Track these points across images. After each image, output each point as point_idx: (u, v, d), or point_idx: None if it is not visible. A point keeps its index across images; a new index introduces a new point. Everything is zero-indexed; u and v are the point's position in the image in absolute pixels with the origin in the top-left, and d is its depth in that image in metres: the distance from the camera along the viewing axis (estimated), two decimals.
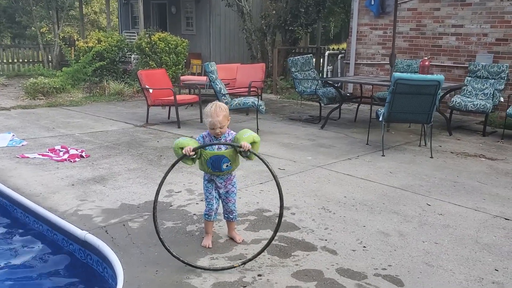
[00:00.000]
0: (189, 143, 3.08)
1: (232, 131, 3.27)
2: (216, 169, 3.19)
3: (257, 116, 7.19)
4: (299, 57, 8.61)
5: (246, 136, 3.10)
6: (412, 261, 3.22)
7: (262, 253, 3.26)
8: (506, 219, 4.01)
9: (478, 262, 3.23)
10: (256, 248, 3.35)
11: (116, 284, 2.85)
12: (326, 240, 3.51)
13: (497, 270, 3.12)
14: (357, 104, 8.96)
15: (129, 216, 3.83)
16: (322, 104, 8.49)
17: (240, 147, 3.00)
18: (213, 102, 3.14)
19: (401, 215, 4.04)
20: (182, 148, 3.03)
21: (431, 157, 5.96)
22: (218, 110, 3.08)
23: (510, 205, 4.36)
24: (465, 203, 4.35)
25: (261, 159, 2.97)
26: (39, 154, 5.59)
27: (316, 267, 3.09)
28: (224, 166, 3.18)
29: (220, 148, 3.17)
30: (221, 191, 3.36)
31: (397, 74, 5.76)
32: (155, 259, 3.13)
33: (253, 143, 3.07)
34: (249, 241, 3.46)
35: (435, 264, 3.18)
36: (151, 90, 7.66)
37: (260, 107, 6.93)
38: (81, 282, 3.21)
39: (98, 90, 11.15)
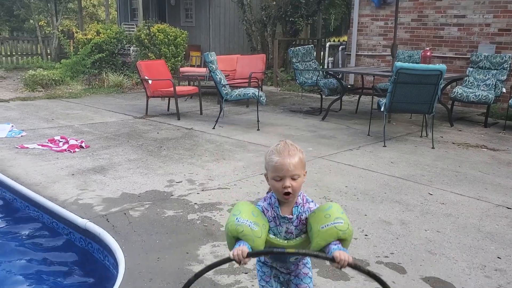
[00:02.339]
0: (249, 234, 1.77)
1: (309, 199, 1.94)
2: (280, 261, 2.03)
3: (257, 108, 7.14)
4: (300, 47, 8.56)
5: (327, 228, 1.79)
6: (414, 249, 3.20)
7: None
8: (508, 208, 3.99)
9: (481, 250, 3.21)
10: None
11: (117, 271, 2.83)
12: None
13: (500, 258, 3.11)
14: (358, 96, 8.92)
15: (130, 205, 3.81)
16: (323, 96, 8.45)
17: (333, 260, 1.71)
18: (286, 140, 1.90)
19: (403, 204, 4.02)
20: (236, 238, 1.79)
21: (433, 148, 5.93)
22: (291, 148, 1.86)
23: None
24: (467, 193, 4.33)
25: (370, 274, 1.70)
26: (38, 145, 5.56)
27: None
28: (292, 259, 2.01)
29: (291, 233, 1.90)
30: (286, 277, 2.08)
31: (399, 64, 5.72)
32: (156, 246, 3.11)
33: (343, 241, 1.81)
34: None
35: (438, 252, 3.17)
36: (150, 81, 7.61)
37: (261, 98, 6.89)
38: (82, 271, 3.18)
39: (97, 82, 11.10)
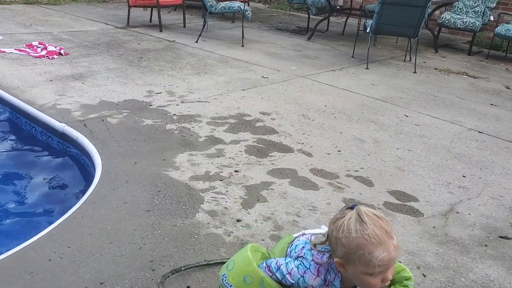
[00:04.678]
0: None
1: None
2: None
3: (242, 24, 6.97)
4: None
5: None
6: (384, 165, 3.32)
7: (240, 152, 3.34)
8: (480, 132, 4.12)
9: (448, 169, 3.35)
10: (235, 148, 3.40)
11: (94, 173, 2.90)
12: (302, 143, 3.57)
13: (465, 177, 3.26)
14: (345, 17, 8.75)
15: (108, 112, 3.81)
16: (310, 15, 8.26)
17: None
18: (364, 210, 1.34)
19: (378, 124, 4.11)
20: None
21: (415, 72, 5.96)
22: (384, 224, 1.33)
23: (485, 119, 4.45)
24: (442, 116, 4.43)
25: None
26: (16, 49, 5.41)
27: (291, 167, 3.17)
28: None
29: None
30: None
31: None
32: (133, 152, 3.17)
33: None
34: (228, 141, 3.50)
35: (406, 169, 3.29)
36: None
37: (247, 13, 6.71)
38: (59, 173, 3.24)
39: None
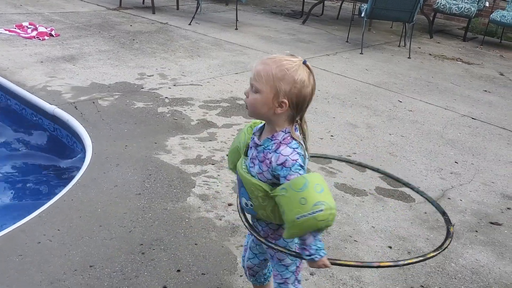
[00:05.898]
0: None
1: (291, 144, 1.38)
2: (238, 193, 1.57)
3: (236, 7, 6.90)
4: None
5: (304, 220, 1.32)
6: (376, 150, 3.31)
7: (232, 136, 3.31)
8: (473, 118, 4.12)
9: (440, 155, 3.35)
10: (227, 131, 3.37)
11: (84, 156, 2.87)
12: None
13: (457, 163, 3.26)
14: (340, 1, 8.68)
15: (99, 95, 3.76)
16: None
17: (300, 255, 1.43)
18: (298, 58, 1.42)
19: (372, 109, 4.09)
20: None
21: (409, 58, 5.93)
22: (276, 60, 1.38)
23: (479, 106, 4.45)
24: (436, 102, 4.42)
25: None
26: (5, 30, 5.31)
27: None
28: (243, 201, 1.53)
29: (253, 163, 1.45)
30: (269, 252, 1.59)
31: None
32: (124, 135, 3.13)
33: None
34: (220, 125, 3.48)
35: (399, 154, 3.29)
36: None
37: None
38: (50, 155, 3.22)
39: None
